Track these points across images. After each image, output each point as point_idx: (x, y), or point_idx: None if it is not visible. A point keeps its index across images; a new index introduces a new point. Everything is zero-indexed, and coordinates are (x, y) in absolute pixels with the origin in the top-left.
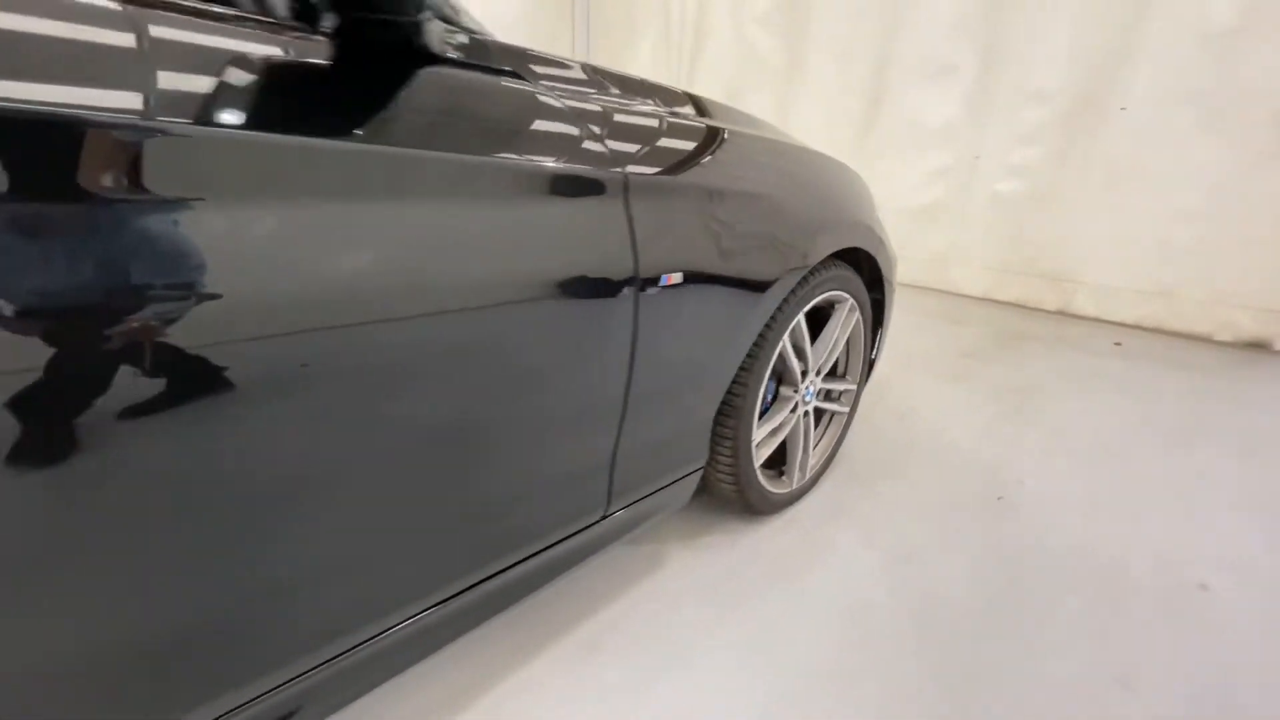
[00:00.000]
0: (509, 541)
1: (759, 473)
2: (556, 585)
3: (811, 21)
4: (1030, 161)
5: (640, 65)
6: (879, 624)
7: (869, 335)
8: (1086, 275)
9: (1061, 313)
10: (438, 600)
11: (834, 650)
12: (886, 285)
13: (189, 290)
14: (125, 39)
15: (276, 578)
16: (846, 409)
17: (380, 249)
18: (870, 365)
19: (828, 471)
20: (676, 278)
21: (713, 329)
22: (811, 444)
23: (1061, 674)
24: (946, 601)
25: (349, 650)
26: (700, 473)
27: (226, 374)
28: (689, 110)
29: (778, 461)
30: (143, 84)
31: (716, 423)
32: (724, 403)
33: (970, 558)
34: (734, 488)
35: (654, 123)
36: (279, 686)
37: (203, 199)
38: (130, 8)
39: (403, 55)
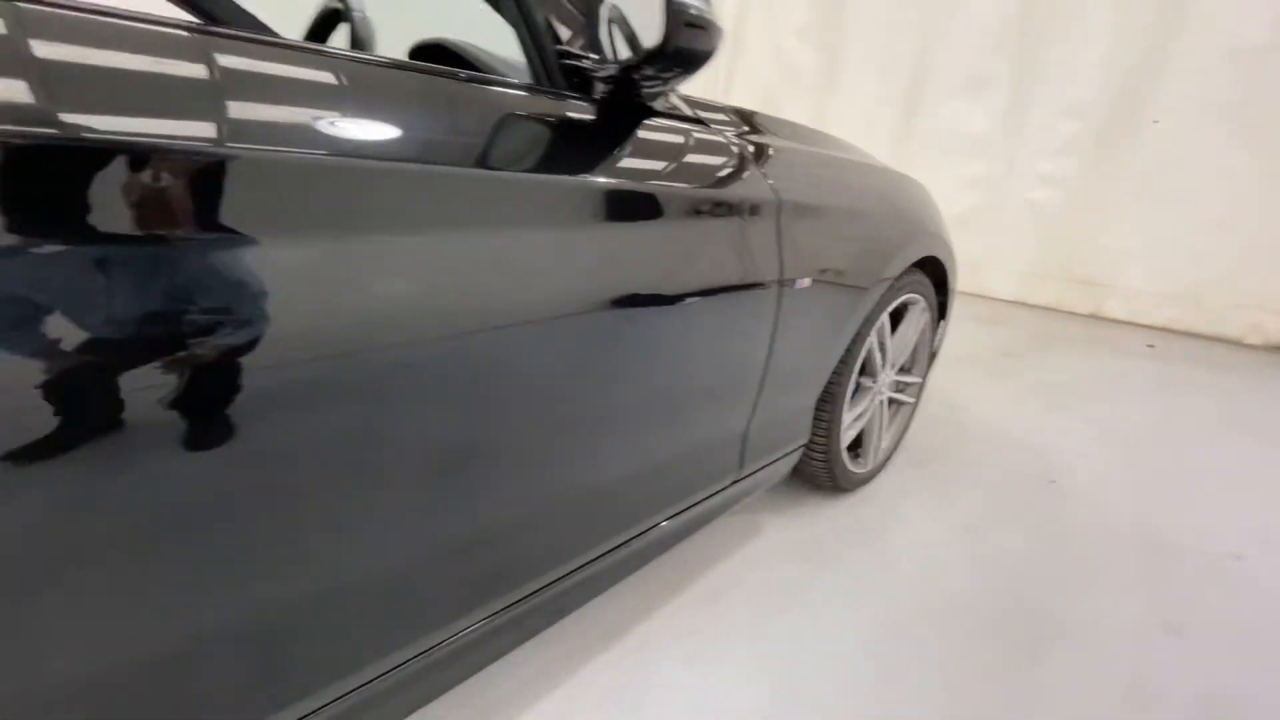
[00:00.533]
0: (673, 495)
1: (844, 453)
2: (677, 548)
3: (848, 35)
4: (1063, 171)
5: None
6: (954, 580)
7: (933, 332)
8: (1118, 280)
9: (1093, 316)
10: (617, 544)
11: (919, 598)
12: (950, 287)
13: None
14: (460, 109)
15: (470, 530)
16: (913, 400)
17: (615, 257)
18: (932, 358)
19: (895, 456)
20: (806, 282)
21: (826, 326)
22: (885, 430)
23: (1115, 621)
24: (1010, 563)
25: (540, 590)
26: (802, 449)
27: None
28: (812, 142)
29: (854, 445)
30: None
31: (816, 407)
32: (823, 390)
33: (1028, 529)
34: (824, 465)
35: (793, 153)
36: (481, 620)
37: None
38: (456, 83)
39: (646, 113)
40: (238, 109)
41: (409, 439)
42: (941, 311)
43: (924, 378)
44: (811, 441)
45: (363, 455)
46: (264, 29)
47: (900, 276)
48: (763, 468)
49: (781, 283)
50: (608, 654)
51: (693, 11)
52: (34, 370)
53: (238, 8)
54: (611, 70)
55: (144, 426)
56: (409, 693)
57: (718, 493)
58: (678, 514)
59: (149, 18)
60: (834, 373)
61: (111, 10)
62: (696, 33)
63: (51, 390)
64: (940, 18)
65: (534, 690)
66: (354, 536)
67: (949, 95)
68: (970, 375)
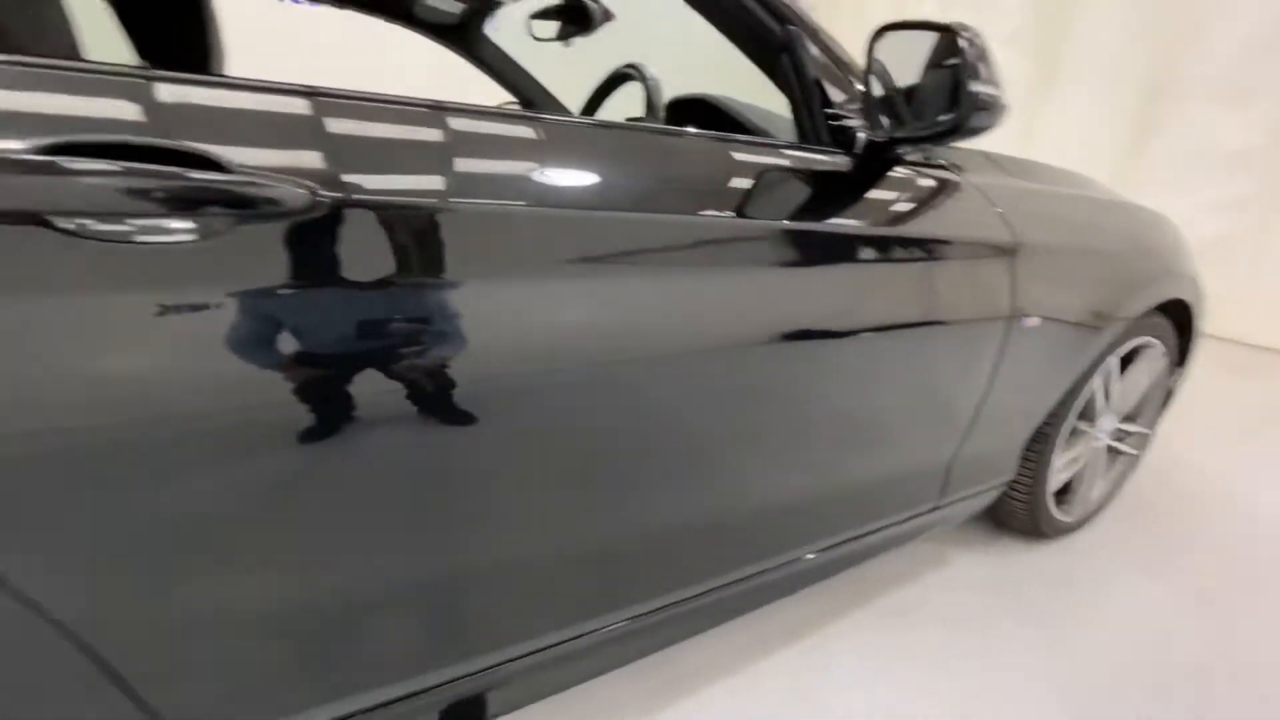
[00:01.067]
0: (873, 513)
1: (1050, 497)
2: (863, 565)
3: (1069, 40)
4: None
5: None
6: (1181, 653)
7: (1168, 379)
8: None
9: None
10: (817, 550)
11: (1136, 662)
12: (1195, 332)
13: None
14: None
15: (695, 517)
16: (1136, 451)
17: (862, 295)
18: (1164, 407)
19: (1108, 508)
20: (1035, 321)
21: (1048, 366)
22: (1099, 479)
23: None
24: (1261, 649)
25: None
26: (1004, 487)
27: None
28: (1051, 180)
29: (1061, 491)
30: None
31: (1025, 446)
32: (1037, 430)
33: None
34: (1025, 507)
35: (1031, 193)
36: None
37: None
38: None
39: (899, 162)
40: (525, 172)
41: (676, 440)
42: (1181, 357)
43: (1152, 428)
44: (1015, 480)
45: (605, 456)
46: (563, 109)
47: (1137, 318)
48: (962, 499)
49: (1010, 320)
50: (795, 646)
51: (985, 97)
52: (321, 376)
53: (546, 91)
54: (883, 138)
55: (391, 419)
56: (626, 648)
57: (914, 517)
58: (874, 532)
59: (418, 101)
60: (1050, 413)
61: (383, 96)
62: (984, 113)
63: (331, 391)
64: (1191, 17)
65: (727, 663)
66: (585, 518)
67: (1199, 108)
68: (1210, 431)
